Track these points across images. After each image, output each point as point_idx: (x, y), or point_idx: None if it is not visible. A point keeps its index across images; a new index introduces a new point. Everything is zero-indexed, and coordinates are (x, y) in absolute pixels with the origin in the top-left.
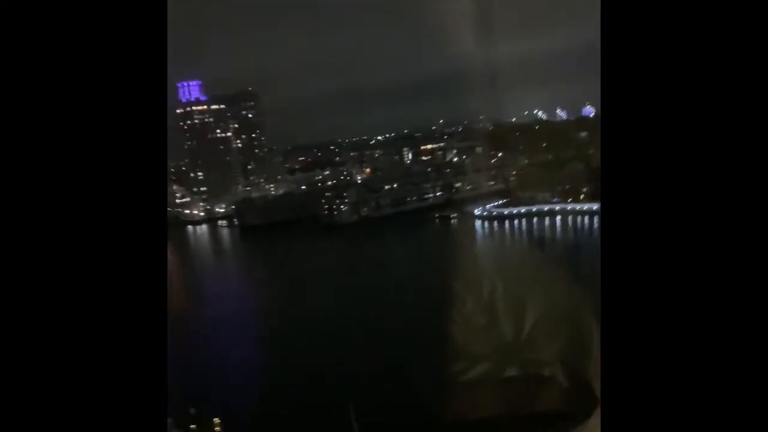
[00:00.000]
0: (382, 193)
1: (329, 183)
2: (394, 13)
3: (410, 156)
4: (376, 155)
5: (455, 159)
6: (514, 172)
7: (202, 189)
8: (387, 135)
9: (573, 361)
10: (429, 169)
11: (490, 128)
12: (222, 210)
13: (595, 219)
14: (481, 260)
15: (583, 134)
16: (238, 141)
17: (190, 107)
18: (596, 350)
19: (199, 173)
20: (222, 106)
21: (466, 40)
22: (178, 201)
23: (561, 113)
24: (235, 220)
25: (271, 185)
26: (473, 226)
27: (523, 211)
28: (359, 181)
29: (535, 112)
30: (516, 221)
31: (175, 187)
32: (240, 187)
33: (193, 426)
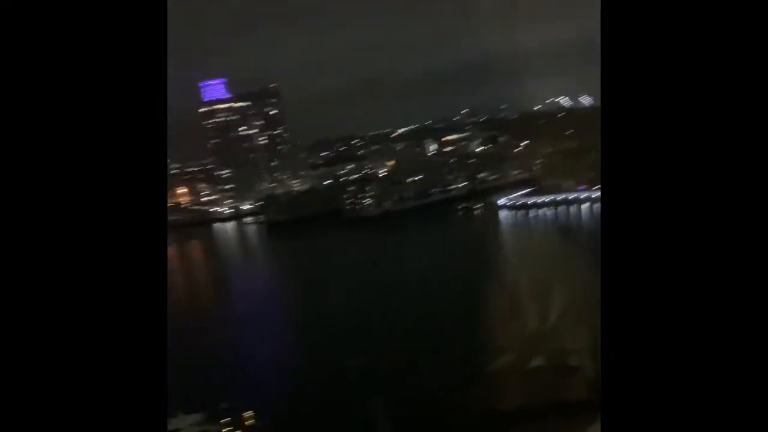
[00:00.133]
0: (405, 185)
1: (352, 177)
2: (415, 4)
3: (433, 147)
4: (399, 148)
5: (478, 149)
6: (539, 161)
7: (227, 187)
8: (409, 127)
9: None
10: (452, 160)
11: (514, 117)
12: (247, 207)
13: None
14: (506, 251)
15: None
16: (262, 138)
17: (215, 105)
18: None
19: (225, 171)
20: (246, 104)
21: (488, 28)
22: (204, 199)
23: (585, 100)
24: (261, 216)
25: (295, 181)
26: (498, 216)
27: (548, 200)
28: (382, 175)
29: (559, 99)
30: (541, 210)
31: (201, 185)
32: (265, 183)
33: (224, 420)
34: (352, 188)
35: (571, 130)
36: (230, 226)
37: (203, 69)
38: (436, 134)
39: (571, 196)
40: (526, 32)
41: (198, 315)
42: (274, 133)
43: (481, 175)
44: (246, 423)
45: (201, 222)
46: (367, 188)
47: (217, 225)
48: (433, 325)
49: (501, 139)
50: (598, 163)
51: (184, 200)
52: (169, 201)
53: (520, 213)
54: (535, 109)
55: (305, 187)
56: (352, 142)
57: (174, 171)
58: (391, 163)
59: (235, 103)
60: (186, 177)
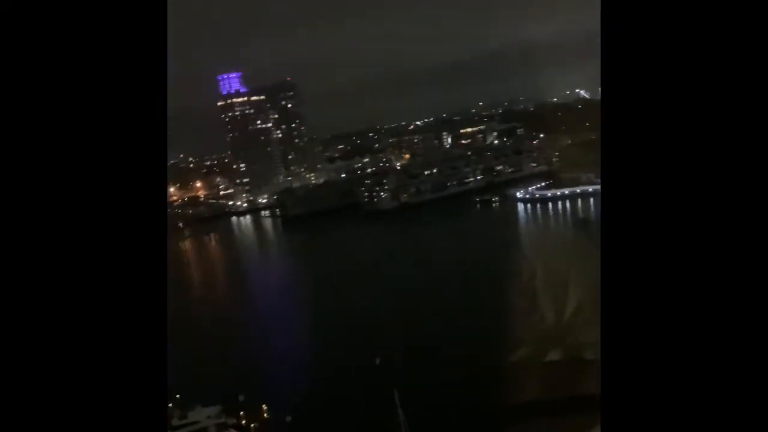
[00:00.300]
0: (422, 178)
1: (369, 170)
2: None
3: (450, 140)
4: (415, 140)
5: (496, 142)
6: (557, 153)
7: (244, 180)
8: (425, 120)
9: None
10: (469, 153)
11: (531, 109)
12: (264, 200)
13: None
14: (524, 244)
15: None
16: (279, 131)
17: (231, 99)
18: None
19: (242, 165)
20: (262, 97)
21: (506, 20)
22: (222, 192)
23: None
24: (278, 210)
25: (312, 174)
26: (515, 209)
27: (566, 192)
28: (399, 168)
29: (576, 91)
30: (559, 203)
31: (218, 179)
32: (281, 177)
33: (241, 413)
34: (368, 181)
35: (589, 122)
36: (247, 219)
37: (222, 62)
38: (452, 127)
39: (590, 189)
40: (543, 24)
41: (215, 308)
42: (291, 126)
43: (499, 167)
44: (263, 415)
45: (218, 215)
46: (383, 181)
47: (234, 218)
48: (450, 318)
49: (518, 131)
50: None
51: (203, 193)
52: (187, 194)
53: (539, 205)
54: (552, 100)
55: (322, 180)
56: (369, 134)
57: (191, 164)
58: (408, 155)
59: (251, 96)
60: (204, 171)
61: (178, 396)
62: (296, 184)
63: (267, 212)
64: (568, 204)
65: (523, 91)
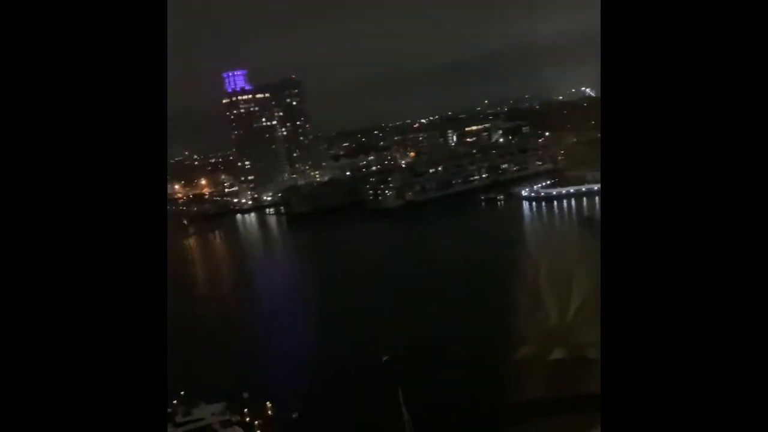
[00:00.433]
0: (427, 176)
1: (374, 168)
2: None
3: (455, 138)
4: (420, 138)
5: (501, 140)
6: (562, 151)
7: (249, 178)
8: (431, 118)
9: None
10: (474, 151)
11: (537, 107)
12: (269, 198)
13: None
14: (529, 242)
15: None
16: (283, 129)
17: (236, 97)
18: None
19: (246, 162)
20: (267, 95)
21: (511, 18)
22: (227, 190)
23: None
24: (282, 207)
25: (317, 172)
26: (520, 207)
27: (571, 190)
28: (404, 166)
29: (582, 89)
30: (565, 201)
31: (223, 176)
32: (286, 174)
33: (245, 410)
34: (373, 179)
35: (595, 120)
36: (252, 216)
37: (222, 62)
38: (457, 125)
39: (595, 187)
40: (548, 22)
41: (219, 305)
42: (296, 124)
43: (504, 165)
44: (267, 413)
45: (223, 212)
46: (388, 179)
47: (239, 216)
48: (456, 317)
49: (524, 129)
50: None
51: (208, 191)
52: (192, 191)
53: (544, 204)
54: (558, 98)
55: (326, 178)
56: (374, 132)
57: (196, 162)
58: (413, 153)
59: (256, 94)
60: (209, 168)
61: (182, 393)
62: (301, 182)
63: (272, 210)
64: (573, 202)
65: (528, 89)
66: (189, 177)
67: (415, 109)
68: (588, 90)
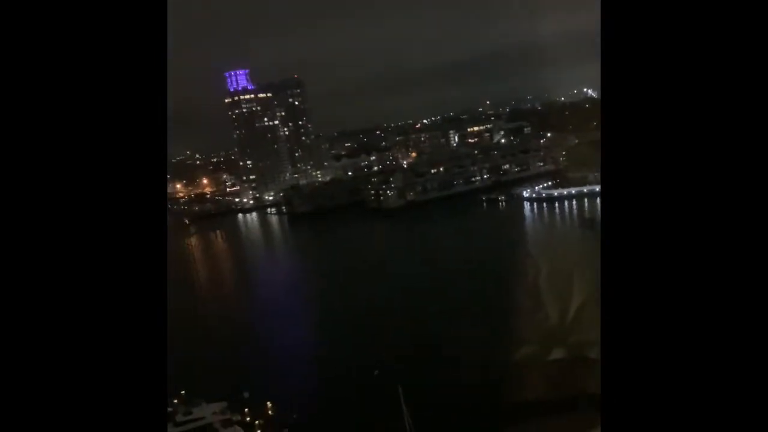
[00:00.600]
0: (429, 177)
1: (375, 168)
2: None
3: (456, 138)
4: (422, 139)
5: (503, 140)
6: (564, 152)
7: (251, 177)
8: (432, 118)
9: None
10: (476, 152)
11: (538, 107)
12: (271, 197)
13: None
14: (530, 243)
15: None
16: (285, 129)
17: (238, 96)
18: None
19: (248, 162)
20: (269, 95)
21: (512, 19)
22: (228, 189)
23: None
24: (284, 207)
25: (318, 172)
26: (522, 208)
27: (573, 192)
28: (405, 166)
29: (584, 89)
30: (566, 202)
31: (225, 176)
32: (288, 174)
33: (246, 409)
34: (375, 179)
35: (597, 121)
36: (253, 216)
37: (229, 60)
38: (459, 125)
39: (597, 188)
40: (550, 22)
41: (220, 305)
42: (298, 124)
43: (506, 166)
44: (268, 412)
45: (225, 212)
46: (390, 179)
47: (240, 215)
48: (457, 317)
49: (525, 130)
50: None
51: (209, 190)
52: (193, 191)
53: (545, 205)
54: (560, 99)
55: (328, 177)
56: (376, 132)
57: (198, 161)
58: (415, 154)
59: (258, 93)
60: (210, 167)
61: (183, 392)
62: (303, 182)
63: (273, 209)
64: (575, 203)
65: (530, 89)
66: (191, 176)
67: (416, 109)
68: (590, 91)
